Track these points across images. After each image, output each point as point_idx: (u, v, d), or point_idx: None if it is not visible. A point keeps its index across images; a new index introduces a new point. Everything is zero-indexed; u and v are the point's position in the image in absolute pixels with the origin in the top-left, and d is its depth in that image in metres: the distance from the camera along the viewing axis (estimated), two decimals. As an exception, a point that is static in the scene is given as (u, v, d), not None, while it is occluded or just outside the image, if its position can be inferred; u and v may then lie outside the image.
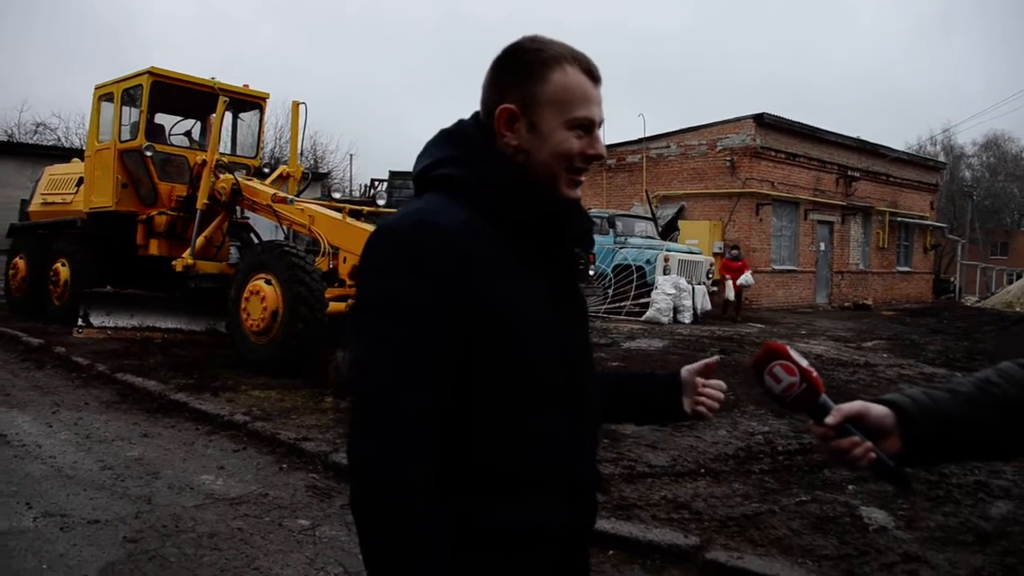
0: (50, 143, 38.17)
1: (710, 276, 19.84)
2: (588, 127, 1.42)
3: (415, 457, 1.26)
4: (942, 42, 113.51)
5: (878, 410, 1.45)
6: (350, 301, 8.40)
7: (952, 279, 36.75)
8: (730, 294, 19.43)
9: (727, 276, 19.48)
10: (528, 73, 1.41)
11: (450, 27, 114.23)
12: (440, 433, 1.30)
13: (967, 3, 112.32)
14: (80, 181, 12.62)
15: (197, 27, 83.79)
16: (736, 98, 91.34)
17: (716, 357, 1.79)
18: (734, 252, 20.14)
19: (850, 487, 5.43)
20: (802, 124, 25.05)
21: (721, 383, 1.75)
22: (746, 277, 19.51)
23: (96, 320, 10.63)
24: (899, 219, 30.57)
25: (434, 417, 1.29)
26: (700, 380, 1.73)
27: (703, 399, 1.72)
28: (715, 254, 22.53)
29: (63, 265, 12.00)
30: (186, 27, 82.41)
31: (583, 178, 1.46)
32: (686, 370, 1.75)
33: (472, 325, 1.31)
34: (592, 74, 1.44)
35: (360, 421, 1.29)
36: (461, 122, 1.51)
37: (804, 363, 1.44)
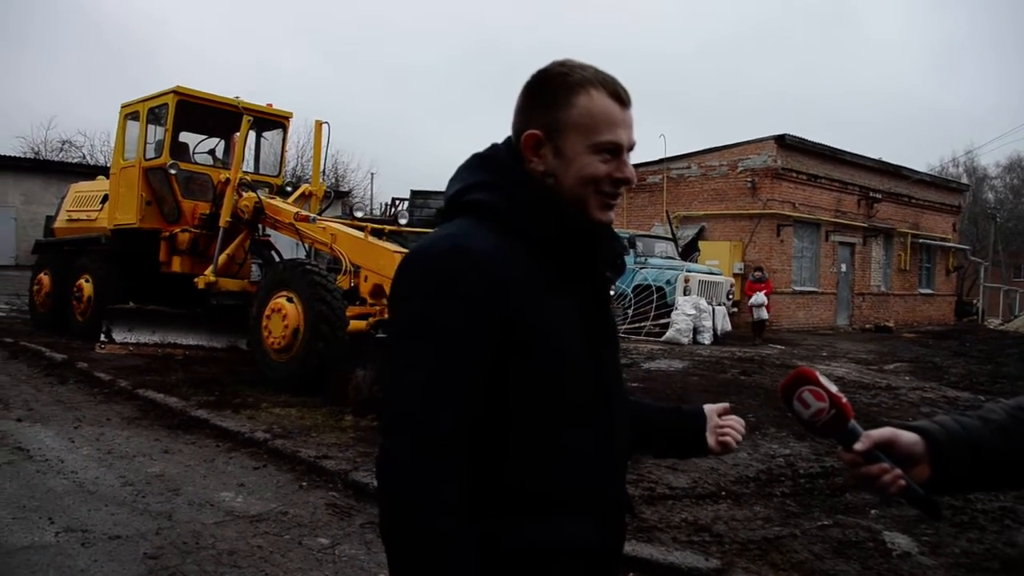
0: (76, 160, 38.78)
1: (730, 297, 19.76)
2: (615, 151, 1.42)
3: (447, 478, 1.27)
4: (962, 63, 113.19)
5: (908, 437, 1.44)
6: (371, 319, 8.43)
7: (975, 301, 36.36)
8: (759, 314, 19.34)
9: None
10: (553, 98, 1.42)
11: (478, 52, 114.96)
12: (470, 455, 1.31)
13: (986, 24, 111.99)
14: (105, 198, 12.75)
15: (224, 47, 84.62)
16: (753, 120, 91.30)
17: (726, 405, 1.79)
18: (756, 274, 20.00)
19: (873, 511, 5.38)
20: (823, 145, 24.95)
21: (740, 419, 1.77)
22: (755, 297, 19.29)
23: (118, 336, 10.71)
24: (921, 241, 30.35)
25: (465, 440, 1.30)
26: (718, 416, 1.74)
27: (727, 430, 1.73)
28: (735, 275, 22.45)
29: (87, 281, 12.11)
30: (212, 47, 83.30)
31: (615, 202, 1.47)
32: (708, 407, 1.76)
33: (503, 348, 1.32)
34: (620, 97, 1.44)
35: (392, 443, 1.30)
36: (494, 146, 1.51)
37: (833, 389, 1.43)
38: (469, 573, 1.26)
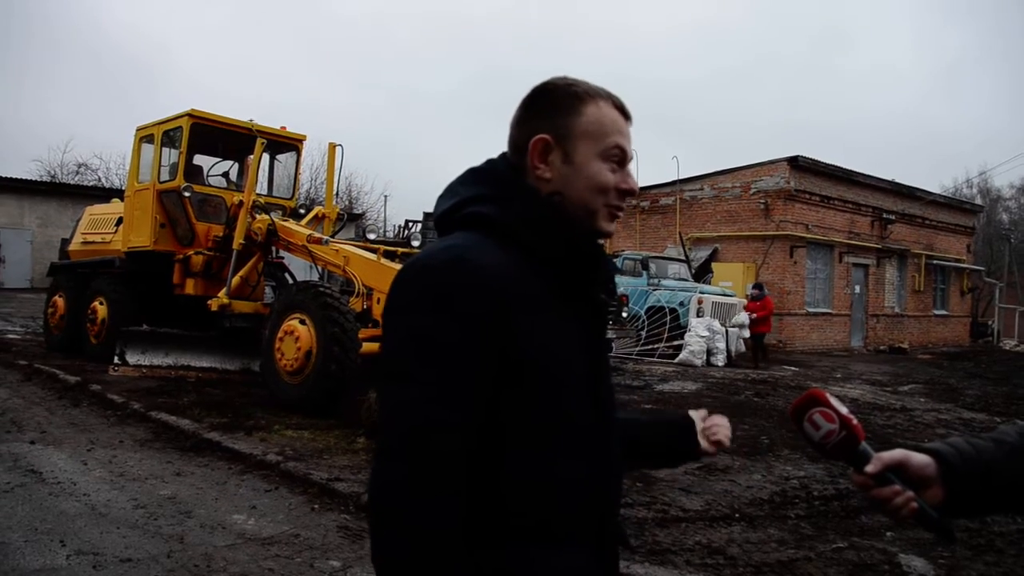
0: (91, 183, 39.13)
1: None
2: (621, 160, 1.42)
3: (443, 504, 1.23)
4: (970, 84, 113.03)
5: (919, 459, 1.42)
6: (382, 344, 8.42)
7: (990, 323, 36.07)
8: (742, 334, 18.64)
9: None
10: (562, 106, 1.42)
11: (482, 78, 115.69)
12: (467, 477, 1.26)
13: (993, 44, 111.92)
14: (119, 221, 12.83)
15: (234, 74, 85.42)
16: (762, 143, 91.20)
17: (704, 412, 1.79)
18: (753, 292, 19.14)
19: (888, 534, 5.32)
20: (836, 167, 24.94)
21: (724, 418, 1.76)
22: (738, 317, 18.62)
23: (132, 358, 10.74)
24: (935, 262, 30.23)
25: (462, 464, 1.25)
26: (701, 429, 1.73)
27: (715, 429, 1.72)
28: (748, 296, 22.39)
29: (101, 304, 12.16)
30: (224, 74, 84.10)
31: (621, 213, 1.46)
32: (693, 412, 1.75)
33: (504, 367, 1.28)
34: (623, 111, 1.45)
35: (385, 467, 1.25)
36: (491, 161, 1.49)
37: (844, 410, 1.42)
38: None
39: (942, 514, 1.41)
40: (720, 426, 1.72)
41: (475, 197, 1.42)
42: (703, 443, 1.70)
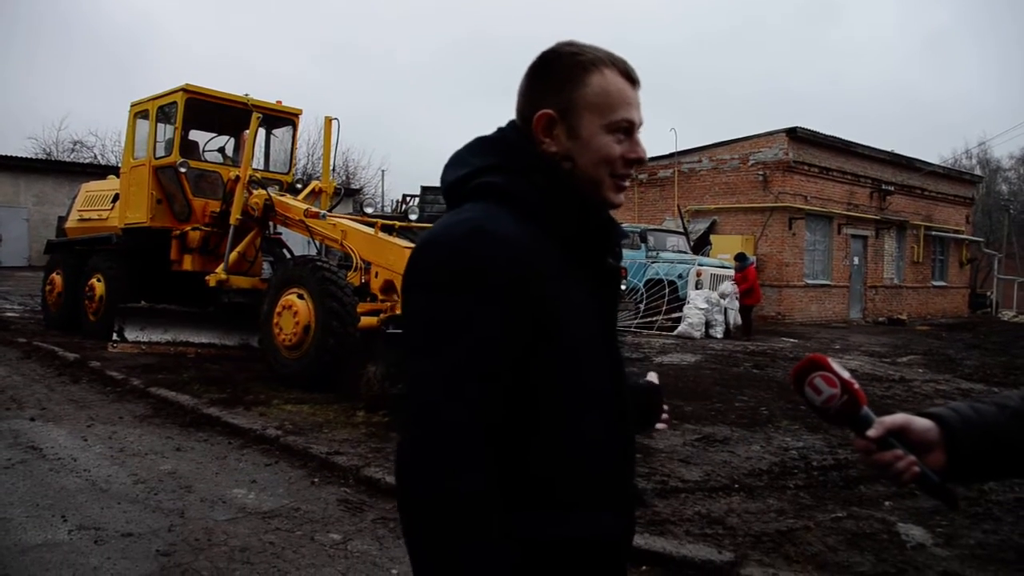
0: (87, 160, 39.00)
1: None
2: (628, 130, 1.40)
3: (473, 469, 1.21)
4: (965, 54, 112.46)
5: (921, 423, 1.41)
6: (382, 315, 8.42)
7: (989, 293, 36.12)
8: (730, 305, 18.01)
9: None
10: (566, 78, 1.39)
11: (470, 46, 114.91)
12: (495, 446, 1.26)
13: (986, 12, 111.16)
14: (116, 197, 12.77)
15: (223, 51, 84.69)
16: (752, 116, 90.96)
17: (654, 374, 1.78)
18: (735, 264, 18.60)
19: (887, 503, 5.34)
20: (835, 138, 24.83)
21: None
22: (723, 287, 17.87)
23: (130, 335, 10.74)
24: (934, 233, 30.20)
25: (491, 431, 1.25)
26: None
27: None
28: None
29: (99, 280, 12.14)
30: (214, 50, 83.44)
31: (627, 183, 1.44)
32: (652, 376, 1.75)
33: (531, 337, 1.28)
34: (630, 76, 1.42)
35: (415, 438, 1.24)
36: (501, 130, 1.47)
37: (845, 375, 1.41)
38: (503, 564, 1.21)
39: (944, 478, 1.40)
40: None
41: (486, 167, 1.40)
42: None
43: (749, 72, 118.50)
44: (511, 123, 1.47)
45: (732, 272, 18.87)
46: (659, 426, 1.70)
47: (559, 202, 1.36)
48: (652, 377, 1.74)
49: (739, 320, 18.20)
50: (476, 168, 1.41)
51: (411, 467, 1.23)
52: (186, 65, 73.58)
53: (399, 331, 7.12)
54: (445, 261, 1.28)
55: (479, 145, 1.46)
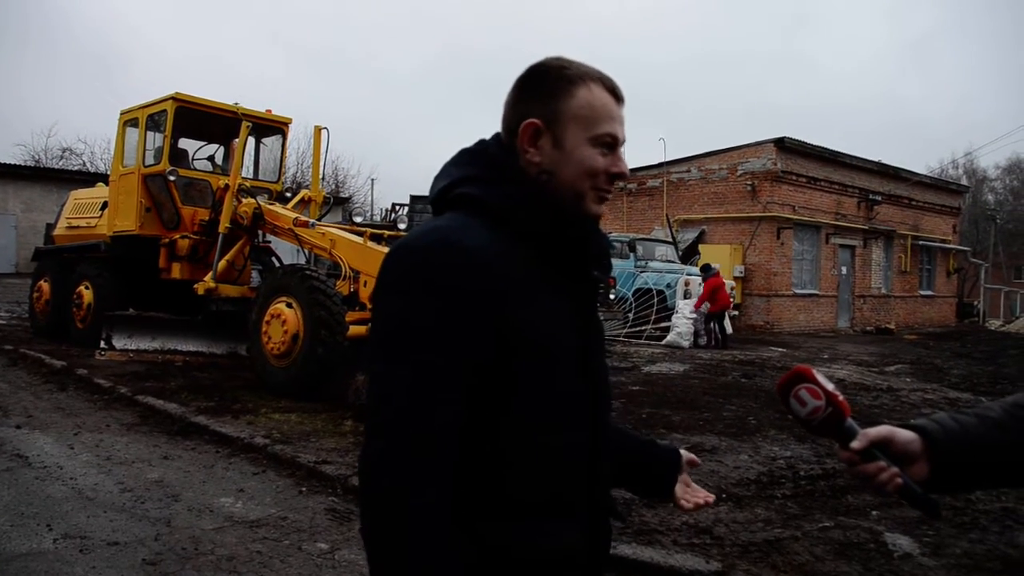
0: (76, 168, 38.77)
1: (732, 299, 19.61)
2: (612, 145, 1.42)
3: (431, 480, 1.23)
4: (954, 64, 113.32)
5: (904, 435, 1.43)
6: (371, 325, 8.41)
7: (975, 303, 36.35)
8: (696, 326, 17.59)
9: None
10: (553, 90, 1.41)
11: (449, 60, 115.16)
12: (457, 456, 1.27)
13: (978, 20, 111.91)
14: (104, 205, 12.74)
15: (211, 62, 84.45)
16: (738, 129, 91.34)
17: (696, 459, 1.75)
18: (702, 275, 17.98)
19: (874, 513, 5.36)
20: (823, 148, 24.98)
21: (709, 496, 1.71)
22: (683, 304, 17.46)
23: (118, 343, 10.69)
24: (921, 243, 30.38)
25: (450, 441, 1.26)
26: (687, 479, 1.71)
27: (690, 495, 1.69)
28: (736, 278, 22.45)
29: (87, 288, 12.09)
30: (201, 63, 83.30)
31: (609, 196, 1.46)
32: (685, 453, 1.72)
33: (493, 347, 1.29)
34: (615, 93, 1.44)
35: (375, 444, 1.26)
36: (483, 142, 1.49)
37: (830, 387, 1.42)
38: (446, 569, 1.23)
39: (927, 489, 1.41)
40: (700, 496, 1.69)
41: (465, 178, 1.42)
42: (678, 490, 1.68)
43: (732, 86, 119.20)
44: (495, 135, 1.49)
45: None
46: (684, 504, 1.67)
47: (532, 211, 1.37)
48: (686, 457, 1.72)
49: (730, 329, 18.21)
50: (456, 179, 1.43)
51: (372, 474, 1.25)
52: (171, 72, 73.45)
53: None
54: (410, 268, 1.30)
55: (460, 157, 1.48)
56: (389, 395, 1.26)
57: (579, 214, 1.42)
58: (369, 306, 8.58)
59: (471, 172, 1.43)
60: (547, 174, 1.40)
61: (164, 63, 76.65)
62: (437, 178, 1.48)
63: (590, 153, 1.40)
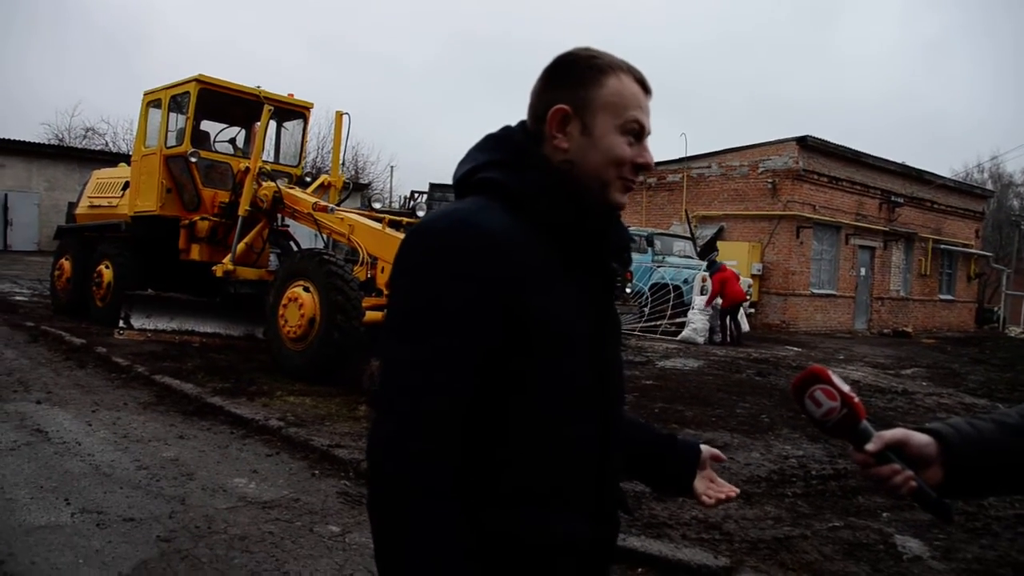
0: (98, 148, 39.03)
1: (748, 297, 19.51)
2: (639, 134, 1.42)
3: (437, 460, 1.24)
4: (980, 68, 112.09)
5: (920, 439, 1.42)
6: (387, 307, 8.44)
7: (996, 309, 36.03)
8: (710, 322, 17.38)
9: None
10: (583, 77, 1.41)
11: (460, 46, 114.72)
12: (464, 441, 1.28)
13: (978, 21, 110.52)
14: (126, 185, 12.81)
15: (225, 47, 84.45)
16: (756, 122, 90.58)
17: (719, 453, 1.74)
18: (708, 271, 17.76)
19: (885, 514, 5.35)
20: (845, 147, 24.75)
21: (733, 490, 1.69)
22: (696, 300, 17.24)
23: (137, 322, 10.78)
24: (943, 246, 30.10)
25: (458, 424, 1.26)
26: (711, 475, 1.70)
27: (713, 491, 1.67)
28: (753, 276, 22.36)
29: (107, 267, 12.19)
30: (216, 47, 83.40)
31: (634, 186, 1.46)
32: (705, 448, 1.71)
33: (507, 332, 1.29)
34: (644, 84, 1.45)
35: (385, 423, 1.26)
36: (508, 128, 1.49)
37: (845, 388, 1.42)
38: (453, 556, 1.23)
39: (941, 494, 1.41)
40: (718, 490, 1.68)
41: (488, 163, 1.43)
42: (699, 486, 1.67)
43: (747, 78, 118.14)
44: (520, 122, 1.50)
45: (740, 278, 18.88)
46: (706, 500, 1.66)
47: (554, 199, 1.38)
48: (707, 452, 1.70)
49: (746, 327, 18.12)
50: (479, 164, 1.43)
51: (380, 456, 1.25)
52: (189, 53, 73.59)
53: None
54: (429, 250, 1.30)
55: (485, 142, 1.49)
56: (402, 376, 1.27)
57: (603, 203, 1.43)
58: (386, 292, 8.62)
59: (495, 157, 1.43)
60: (570, 163, 1.41)
61: (185, 46, 76.84)
62: (461, 162, 1.49)
63: (618, 141, 1.40)
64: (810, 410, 1.44)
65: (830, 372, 1.44)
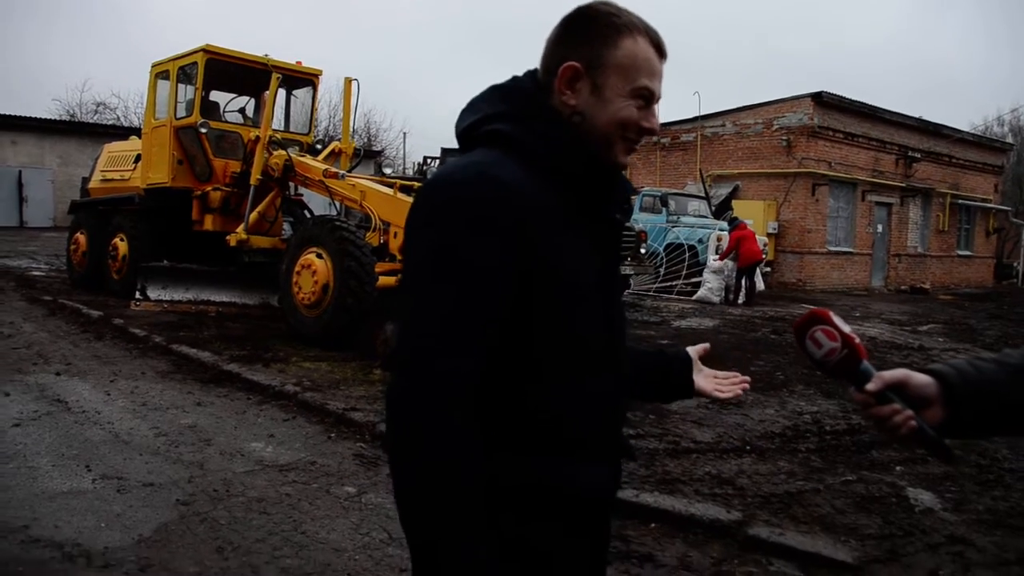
0: (110, 122, 39.10)
1: (764, 256, 19.34)
2: (648, 98, 1.41)
3: (457, 410, 1.23)
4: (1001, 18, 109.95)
5: (920, 378, 1.42)
6: (400, 275, 8.47)
7: (1015, 264, 35.70)
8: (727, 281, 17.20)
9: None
10: (599, 35, 1.39)
11: (458, 9, 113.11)
12: (482, 389, 1.27)
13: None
14: (138, 158, 12.84)
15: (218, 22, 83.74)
16: (765, 80, 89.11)
17: (707, 345, 1.81)
18: (728, 227, 17.51)
19: (898, 468, 5.37)
20: (861, 103, 24.40)
21: (745, 379, 1.78)
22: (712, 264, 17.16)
23: (153, 293, 10.88)
24: (960, 202, 29.74)
25: (477, 374, 1.26)
26: (711, 372, 1.76)
27: (724, 386, 1.74)
28: (769, 234, 22.22)
29: (121, 240, 12.26)
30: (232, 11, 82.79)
31: (637, 147, 1.46)
32: (691, 349, 1.76)
33: (525, 281, 1.29)
34: (660, 48, 1.42)
35: (405, 375, 1.25)
36: (516, 78, 1.48)
37: (846, 328, 1.42)
38: (472, 503, 1.23)
39: (941, 434, 1.41)
40: (731, 382, 1.75)
41: (496, 114, 1.41)
42: (699, 380, 1.73)
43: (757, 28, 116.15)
44: (528, 72, 1.48)
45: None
46: (721, 395, 1.74)
47: (564, 151, 1.37)
48: (694, 350, 1.76)
49: (761, 285, 18.03)
50: (486, 115, 1.42)
51: (402, 413, 1.25)
52: (188, 19, 72.95)
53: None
54: (448, 201, 1.29)
55: (492, 93, 1.47)
56: (422, 327, 1.26)
57: (606, 161, 1.42)
58: (399, 257, 8.63)
59: (502, 108, 1.42)
60: (581, 116, 1.40)
61: (186, 13, 76.32)
62: (464, 112, 1.47)
63: (626, 104, 1.39)
64: (811, 351, 1.44)
65: (831, 313, 1.45)
